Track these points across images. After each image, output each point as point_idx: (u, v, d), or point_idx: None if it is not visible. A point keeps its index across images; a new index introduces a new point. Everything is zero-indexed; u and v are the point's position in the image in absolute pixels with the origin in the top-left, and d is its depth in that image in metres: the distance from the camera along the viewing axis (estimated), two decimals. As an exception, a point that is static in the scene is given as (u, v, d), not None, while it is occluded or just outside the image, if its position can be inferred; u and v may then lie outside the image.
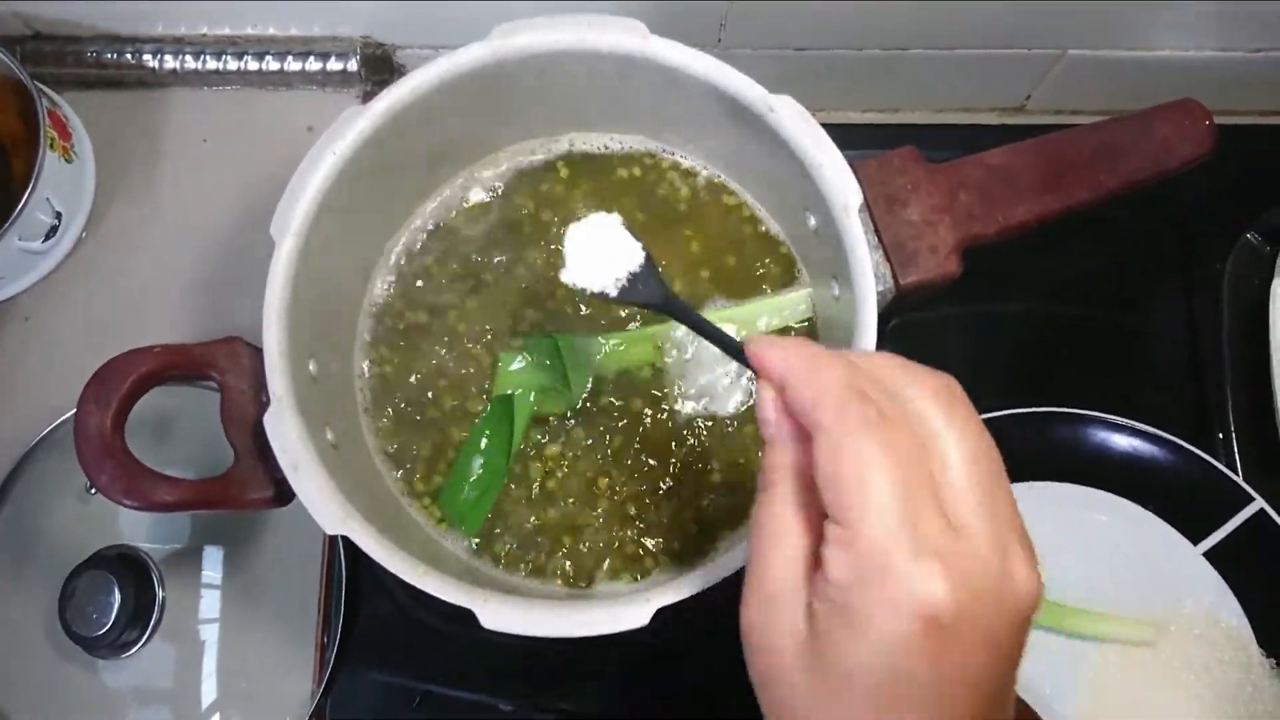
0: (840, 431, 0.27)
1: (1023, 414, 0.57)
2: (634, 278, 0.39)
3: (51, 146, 0.58)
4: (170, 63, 0.65)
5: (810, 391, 0.28)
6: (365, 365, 0.53)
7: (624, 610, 0.41)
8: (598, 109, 0.53)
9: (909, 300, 0.51)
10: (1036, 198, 0.51)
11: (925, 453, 0.27)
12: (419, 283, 0.54)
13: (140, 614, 0.54)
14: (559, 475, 0.51)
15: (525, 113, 0.53)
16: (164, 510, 0.44)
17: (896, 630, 0.25)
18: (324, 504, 0.43)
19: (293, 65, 0.65)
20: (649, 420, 0.51)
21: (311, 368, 0.47)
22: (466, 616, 0.41)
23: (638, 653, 0.58)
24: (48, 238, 0.61)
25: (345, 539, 0.42)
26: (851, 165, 0.46)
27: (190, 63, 0.65)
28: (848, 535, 0.26)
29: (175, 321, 0.62)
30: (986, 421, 0.56)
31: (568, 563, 0.50)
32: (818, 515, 0.28)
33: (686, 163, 0.55)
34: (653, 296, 0.39)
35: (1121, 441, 0.57)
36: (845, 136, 0.46)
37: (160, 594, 0.55)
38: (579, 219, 0.40)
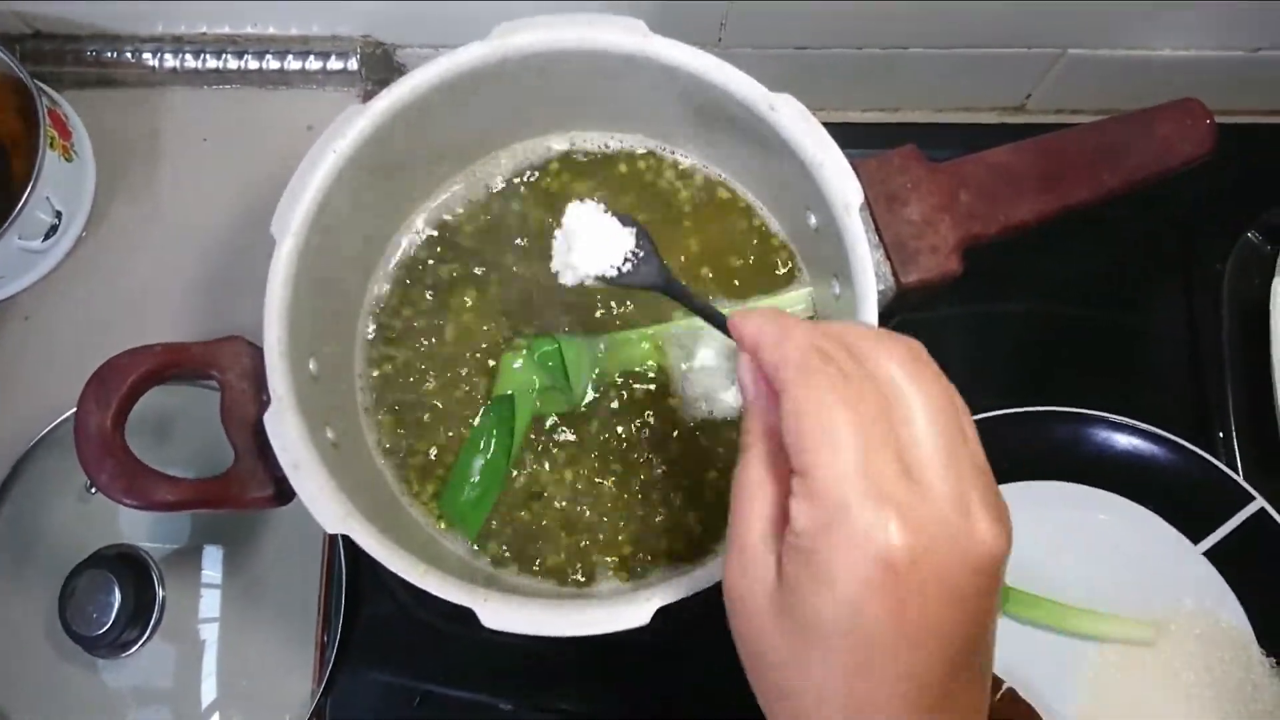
0: (802, 390, 0.28)
1: (1023, 414, 0.57)
2: (633, 260, 0.40)
3: (51, 145, 0.58)
4: (170, 62, 0.65)
5: (778, 353, 0.30)
6: (366, 364, 0.53)
7: (624, 610, 0.41)
8: (598, 108, 0.53)
9: (910, 299, 0.51)
10: (1037, 197, 0.51)
11: (888, 411, 0.28)
12: (420, 282, 0.54)
13: (140, 613, 0.54)
14: (560, 475, 0.51)
15: (526, 112, 0.53)
16: (164, 509, 0.44)
17: (856, 575, 0.26)
18: (324, 503, 0.43)
19: (293, 64, 0.65)
20: (650, 420, 0.51)
21: (312, 367, 0.47)
22: (467, 616, 0.41)
23: (638, 653, 0.58)
24: (48, 237, 0.61)
25: (346, 538, 0.42)
26: (852, 164, 0.46)
27: (190, 62, 0.65)
28: (810, 486, 0.27)
29: (176, 320, 0.62)
30: (987, 421, 0.56)
31: (568, 562, 0.50)
32: (789, 473, 0.29)
33: (687, 162, 0.55)
34: (651, 278, 0.40)
35: (1122, 441, 0.57)
36: (846, 135, 0.46)
37: (160, 593, 0.55)
38: (576, 220, 0.40)
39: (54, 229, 0.61)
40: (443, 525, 0.51)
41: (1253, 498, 0.55)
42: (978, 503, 0.28)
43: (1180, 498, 0.57)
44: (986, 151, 0.52)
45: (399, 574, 0.42)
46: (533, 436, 0.51)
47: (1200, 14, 0.60)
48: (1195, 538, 0.57)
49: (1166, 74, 0.64)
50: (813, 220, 0.49)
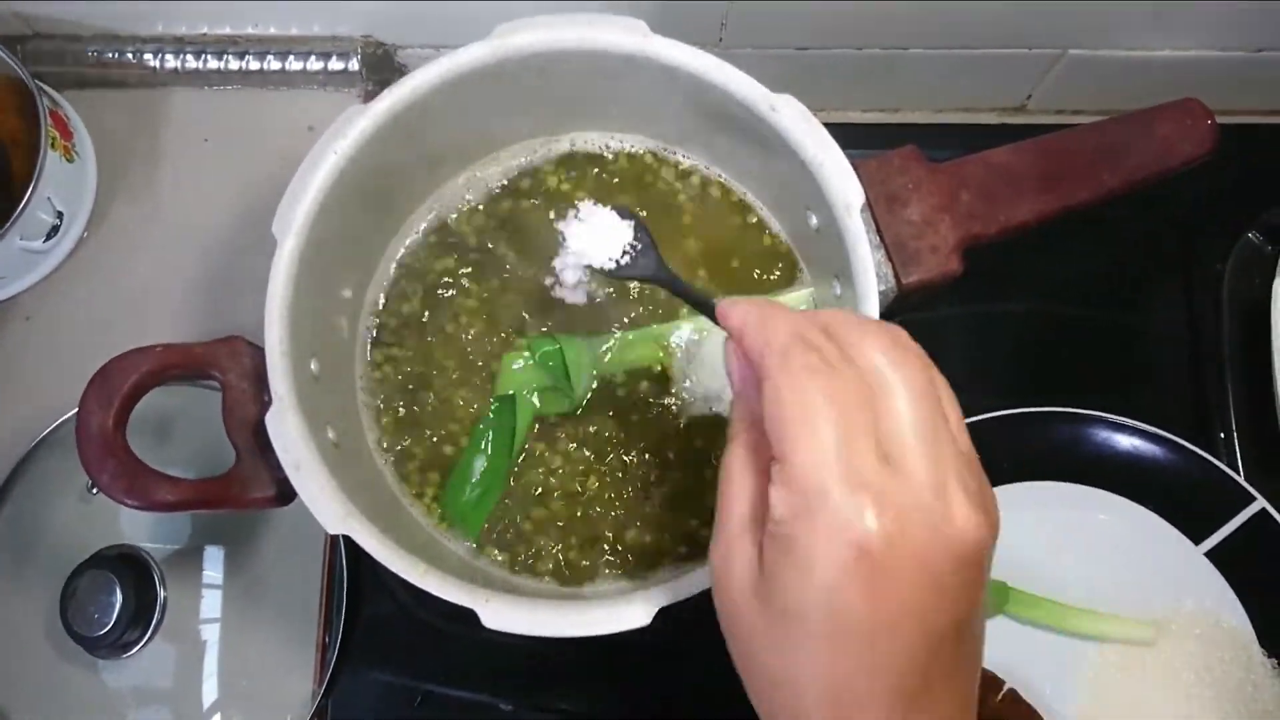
0: (783, 376, 0.29)
1: (1023, 414, 0.57)
2: (631, 252, 0.42)
3: (53, 146, 0.58)
4: (171, 62, 0.65)
5: (761, 340, 0.30)
6: (367, 364, 0.53)
7: (625, 610, 0.41)
8: (599, 108, 0.53)
9: (910, 299, 0.51)
10: (1037, 197, 0.51)
11: (869, 398, 0.28)
12: (420, 282, 0.54)
13: (141, 614, 0.54)
14: (561, 475, 0.51)
15: (526, 112, 0.53)
16: (165, 510, 0.44)
17: (831, 561, 0.26)
18: (325, 503, 0.43)
19: (294, 65, 0.65)
20: (652, 420, 0.51)
21: (313, 367, 0.47)
22: (468, 616, 0.41)
23: (638, 653, 0.58)
24: (49, 237, 0.61)
25: (347, 538, 0.42)
26: (853, 164, 0.46)
27: (191, 62, 0.65)
28: (787, 473, 0.27)
29: (177, 321, 0.62)
30: (988, 421, 0.56)
31: (569, 562, 0.50)
32: (772, 461, 0.29)
33: (687, 162, 0.55)
34: (648, 269, 0.42)
35: (1122, 441, 0.57)
36: (846, 136, 0.46)
37: (161, 594, 0.55)
38: (575, 214, 0.42)
39: (55, 229, 0.61)
40: (443, 525, 0.51)
41: (1253, 498, 0.55)
42: (958, 490, 0.28)
43: (1181, 498, 0.57)
44: (987, 152, 0.52)
45: (399, 574, 0.42)
46: (534, 437, 0.51)
47: (1200, 14, 0.60)
48: (1196, 538, 0.57)
49: (1166, 74, 0.64)
50: (813, 221, 0.49)
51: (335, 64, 0.65)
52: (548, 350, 0.50)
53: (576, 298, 0.50)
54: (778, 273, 0.54)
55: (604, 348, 0.51)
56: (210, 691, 0.55)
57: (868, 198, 0.48)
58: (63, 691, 0.55)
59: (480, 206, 0.55)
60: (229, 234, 0.63)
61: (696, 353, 0.52)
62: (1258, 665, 0.55)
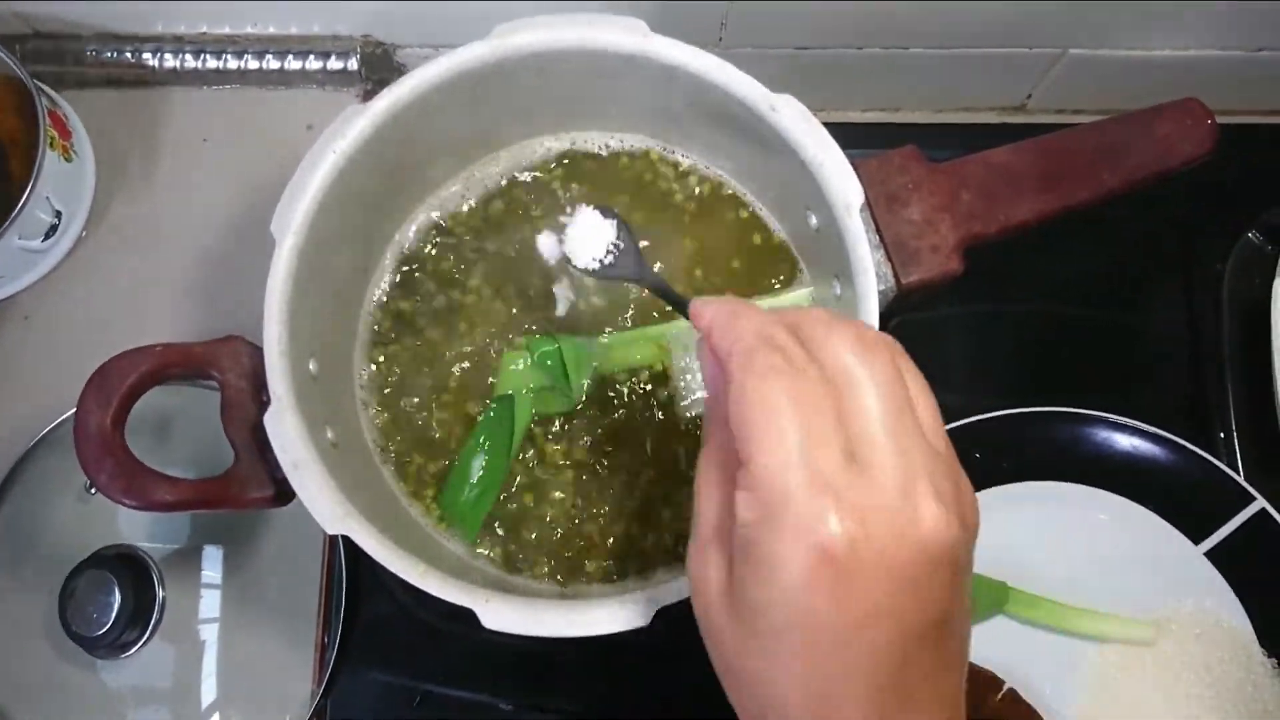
0: (745, 378, 0.28)
1: (1023, 414, 0.57)
2: (614, 251, 0.42)
3: (51, 145, 0.58)
4: (170, 62, 0.65)
5: (727, 341, 0.30)
6: (366, 364, 0.53)
7: (624, 610, 0.41)
8: (598, 108, 0.53)
9: (910, 299, 0.51)
10: (1038, 197, 0.51)
11: (835, 397, 0.28)
12: (419, 282, 0.54)
13: (140, 614, 0.54)
14: (560, 475, 0.51)
15: (526, 112, 0.53)
16: (164, 510, 0.44)
17: (794, 565, 0.26)
18: (324, 503, 0.43)
19: (293, 64, 0.65)
20: (652, 420, 0.51)
21: (312, 367, 0.47)
22: (467, 616, 0.41)
23: (638, 653, 0.58)
24: (47, 236, 0.61)
25: (345, 538, 0.42)
26: (852, 164, 0.46)
27: (190, 62, 0.65)
28: (752, 477, 0.27)
29: (175, 320, 0.62)
30: (988, 421, 0.56)
31: (569, 562, 0.50)
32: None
33: (687, 162, 0.55)
34: (629, 269, 0.42)
35: (1122, 441, 0.57)
36: (846, 135, 0.46)
37: (160, 594, 0.55)
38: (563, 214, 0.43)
39: (54, 229, 0.61)
40: (442, 525, 0.51)
41: (1253, 498, 0.55)
42: (926, 490, 0.27)
43: (1181, 498, 0.57)
44: (987, 151, 0.52)
45: (399, 574, 0.42)
46: (532, 436, 0.51)
47: (1200, 14, 0.60)
48: (1196, 538, 0.57)
49: (1166, 74, 0.64)
50: (813, 220, 0.49)
51: (334, 63, 0.65)
52: (546, 350, 0.50)
53: (571, 297, 0.50)
54: (777, 273, 0.53)
55: (604, 348, 0.51)
56: (209, 691, 0.55)
57: (868, 197, 0.48)
58: (61, 691, 0.55)
59: (479, 206, 0.55)
60: (228, 233, 0.63)
61: (696, 353, 0.52)
62: (1258, 665, 0.55)
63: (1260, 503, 0.55)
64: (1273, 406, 0.58)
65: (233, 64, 0.65)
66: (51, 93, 0.62)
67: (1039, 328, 0.65)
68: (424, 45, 0.66)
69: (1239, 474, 0.57)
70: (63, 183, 0.60)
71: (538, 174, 0.55)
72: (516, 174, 0.55)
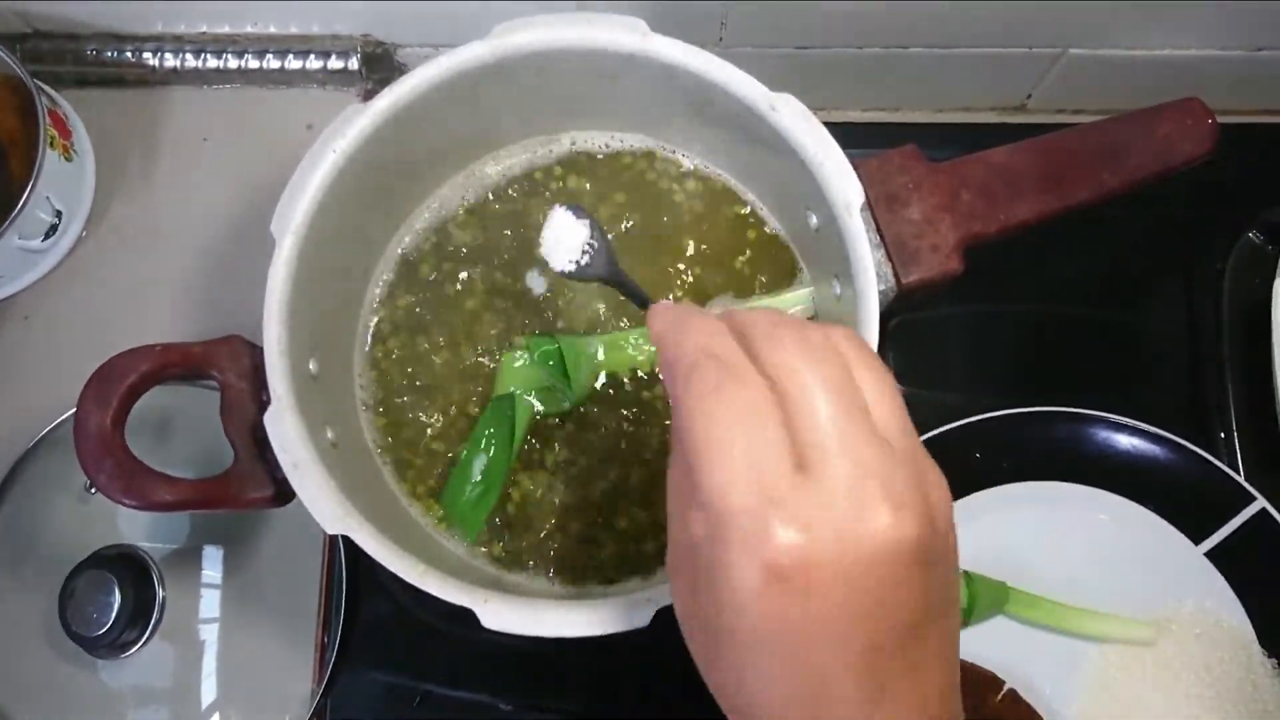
0: (685, 398, 0.28)
1: (1023, 414, 0.57)
2: (590, 251, 0.42)
3: (51, 145, 0.58)
4: (170, 61, 0.65)
5: (671, 355, 0.30)
6: (366, 364, 0.53)
7: (624, 610, 0.41)
8: (598, 107, 0.53)
9: (911, 299, 0.50)
10: (1038, 196, 0.51)
11: (781, 406, 0.27)
12: (419, 281, 0.54)
13: (140, 614, 0.54)
14: (560, 474, 0.51)
15: (526, 111, 0.53)
16: (164, 510, 0.44)
17: (747, 580, 0.26)
18: (324, 503, 0.43)
19: (293, 64, 0.65)
20: (652, 419, 0.51)
21: (312, 366, 0.47)
22: (467, 616, 0.41)
23: (638, 653, 0.58)
24: (47, 236, 0.61)
25: (345, 538, 0.42)
26: (853, 164, 0.46)
27: (190, 61, 0.65)
28: (700, 496, 0.27)
29: (175, 320, 0.62)
30: (988, 421, 0.56)
31: (568, 562, 0.50)
32: None
33: (687, 161, 0.55)
34: (601, 270, 0.42)
35: (1122, 441, 0.57)
36: (846, 135, 0.46)
37: (160, 593, 0.55)
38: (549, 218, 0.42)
39: (54, 228, 0.61)
40: (442, 525, 0.51)
41: (1254, 498, 0.55)
42: (875, 490, 0.26)
43: (1181, 498, 0.57)
44: (987, 151, 0.52)
45: (398, 574, 0.42)
46: (533, 436, 0.51)
47: (1200, 14, 0.60)
48: (1196, 538, 0.56)
49: (1166, 74, 0.64)
50: (813, 220, 0.49)
51: (335, 63, 0.65)
52: (547, 350, 0.50)
53: (571, 296, 0.50)
54: (778, 272, 0.53)
55: (603, 347, 0.51)
56: (209, 691, 0.55)
57: (868, 197, 0.48)
58: (61, 691, 0.55)
59: (479, 206, 0.55)
60: (228, 233, 0.63)
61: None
62: (1258, 665, 0.55)
63: (1260, 503, 0.55)
64: (1273, 406, 0.58)
65: (233, 63, 0.65)
66: (51, 92, 0.62)
67: (1039, 328, 0.65)
68: (424, 45, 0.66)
69: (1239, 474, 0.57)
70: (63, 182, 0.60)
71: (537, 174, 0.55)
72: (516, 174, 0.55)
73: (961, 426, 0.57)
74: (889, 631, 0.27)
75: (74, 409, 0.44)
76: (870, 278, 0.45)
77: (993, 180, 0.51)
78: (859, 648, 0.27)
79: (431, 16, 0.63)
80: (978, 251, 0.51)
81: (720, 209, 0.54)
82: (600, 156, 0.55)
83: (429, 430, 0.51)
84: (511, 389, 0.50)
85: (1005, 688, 0.54)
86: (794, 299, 0.53)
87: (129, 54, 0.65)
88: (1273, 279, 0.60)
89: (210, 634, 0.56)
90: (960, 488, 0.56)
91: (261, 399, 0.45)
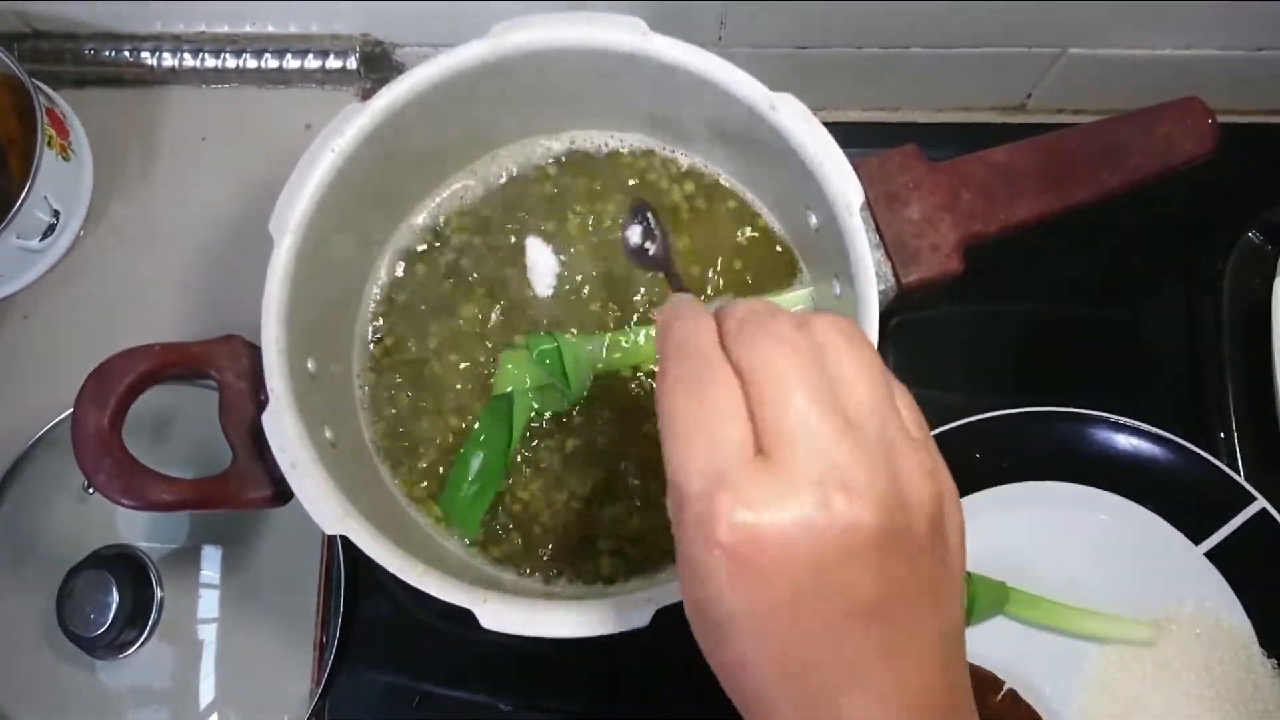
0: (662, 391, 0.30)
1: (1023, 414, 0.57)
2: (654, 244, 0.47)
3: (49, 144, 0.58)
4: (169, 60, 0.64)
5: (658, 349, 0.31)
6: (364, 363, 0.53)
7: (624, 610, 0.41)
8: (597, 107, 0.53)
9: (911, 298, 0.50)
10: (1038, 196, 0.51)
11: (748, 397, 0.28)
12: (418, 281, 0.53)
13: (138, 614, 0.54)
14: (559, 474, 0.51)
15: (525, 110, 0.53)
16: (162, 509, 0.44)
17: (707, 562, 0.27)
18: (322, 503, 0.43)
19: (292, 63, 0.65)
20: (651, 419, 0.51)
21: (310, 366, 0.47)
22: (466, 616, 0.41)
23: (638, 653, 0.58)
24: (45, 236, 0.61)
25: (344, 538, 0.42)
26: (853, 163, 0.46)
27: (189, 60, 0.65)
28: (670, 483, 0.28)
29: (173, 320, 0.62)
30: (988, 421, 0.56)
31: (568, 562, 0.50)
32: None
33: (687, 161, 0.55)
34: (661, 260, 0.46)
35: (1122, 441, 0.57)
36: (846, 135, 0.46)
37: (159, 594, 0.55)
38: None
39: (52, 228, 0.61)
40: (441, 525, 0.50)
41: (1254, 498, 0.55)
42: (832, 476, 0.27)
43: (1181, 498, 0.57)
44: (987, 151, 0.52)
45: (397, 574, 0.42)
46: (532, 436, 0.51)
47: (1201, 14, 0.60)
48: (1196, 538, 0.56)
49: (1166, 73, 0.64)
50: (813, 220, 0.49)
51: (333, 62, 0.64)
52: (545, 349, 0.50)
53: (570, 295, 0.50)
54: (777, 272, 0.53)
55: (602, 346, 0.51)
56: (207, 691, 0.55)
57: (868, 197, 0.48)
58: (60, 691, 0.55)
59: (478, 205, 0.55)
60: (226, 232, 0.63)
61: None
62: (1258, 665, 0.55)
63: (1260, 503, 0.55)
64: (1273, 406, 0.58)
65: (231, 63, 0.65)
66: (50, 91, 0.62)
67: (1039, 328, 0.65)
68: (423, 44, 0.66)
69: (1239, 474, 0.57)
70: (61, 182, 0.60)
71: (537, 173, 0.55)
72: (516, 173, 0.55)
73: (961, 426, 0.57)
74: (847, 613, 0.28)
75: (72, 409, 0.44)
76: (870, 277, 0.45)
77: (993, 180, 0.51)
78: (818, 626, 0.27)
79: (430, 16, 0.63)
80: (978, 251, 0.51)
81: (719, 208, 0.54)
82: (600, 156, 0.55)
83: (427, 429, 0.51)
84: (510, 388, 0.50)
85: (1005, 688, 0.54)
86: (794, 299, 0.53)
87: (127, 53, 0.64)
88: (1273, 279, 0.60)
89: (209, 634, 0.55)
90: (960, 488, 0.55)
91: (260, 399, 0.45)
